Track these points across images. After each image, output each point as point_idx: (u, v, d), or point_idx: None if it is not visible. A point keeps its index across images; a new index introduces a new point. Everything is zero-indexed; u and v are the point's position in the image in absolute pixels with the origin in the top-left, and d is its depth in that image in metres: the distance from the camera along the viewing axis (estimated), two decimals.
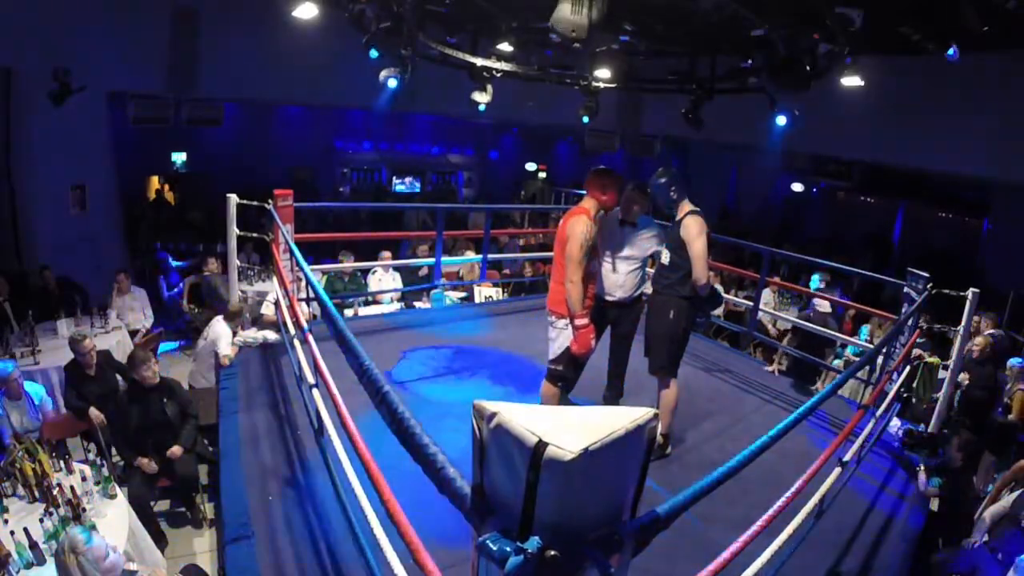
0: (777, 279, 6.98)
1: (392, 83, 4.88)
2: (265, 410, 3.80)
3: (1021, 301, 7.21)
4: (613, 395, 3.81)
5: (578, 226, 3.14)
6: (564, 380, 3.43)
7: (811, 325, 5.32)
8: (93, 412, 4.17)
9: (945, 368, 4.35)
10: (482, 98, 5.30)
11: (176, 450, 3.88)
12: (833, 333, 5.35)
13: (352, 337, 1.81)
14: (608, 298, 3.58)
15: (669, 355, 3.43)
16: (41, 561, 2.73)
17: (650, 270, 3.69)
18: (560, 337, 3.31)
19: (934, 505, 3.52)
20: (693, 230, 3.28)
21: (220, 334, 4.57)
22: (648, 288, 3.69)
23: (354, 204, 13.43)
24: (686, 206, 3.39)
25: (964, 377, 4.60)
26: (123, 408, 3.94)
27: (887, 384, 4.07)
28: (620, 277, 3.54)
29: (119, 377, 4.56)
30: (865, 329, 6.05)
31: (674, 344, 3.43)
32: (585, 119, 5.68)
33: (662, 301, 3.46)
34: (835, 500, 2.93)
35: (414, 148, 14.64)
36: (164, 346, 6.53)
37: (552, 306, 3.35)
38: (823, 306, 5.64)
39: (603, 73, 5.14)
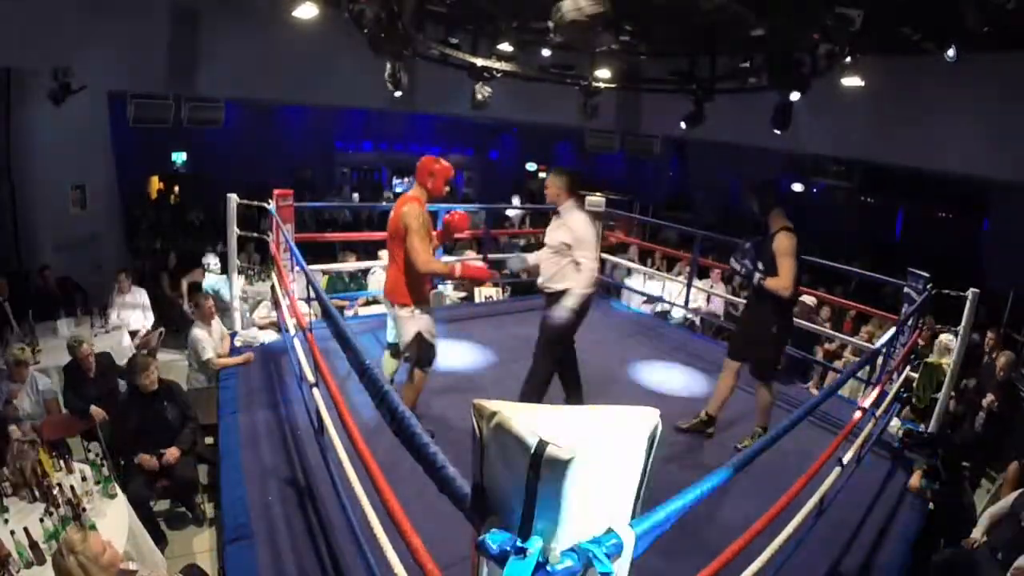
0: None
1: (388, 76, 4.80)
2: (265, 410, 3.80)
3: (1021, 301, 7.20)
4: (574, 402, 3.66)
5: (410, 215, 3.15)
6: (428, 364, 3.38)
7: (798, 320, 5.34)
8: (95, 409, 4.15)
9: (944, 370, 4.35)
10: (484, 92, 5.28)
11: (173, 451, 3.80)
12: (819, 328, 5.37)
13: (352, 337, 1.82)
14: (541, 287, 3.59)
15: (771, 358, 3.61)
16: (41, 561, 2.73)
17: (594, 265, 3.44)
18: (407, 324, 3.27)
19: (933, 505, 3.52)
20: (784, 244, 3.31)
21: (196, 339, 4.50)
22: (572, 285, 3.39)
23: (354, 205, 13.42)
24: (780, 219, 3.39)
25: (991, 400, 4.56)
26: (123, 412, 3.92)
27: (887, 384, 4.07)
28: (542, 264, 3.54)
29: (119, 379, 4.55)
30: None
31: (776, 348, 3.61)
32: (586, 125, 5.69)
33: (761, 311, 3.52)
34: (835, 500, 2.93)
35: (414, 148, 14.63)
36: None
37: (390, 295, 3.31)
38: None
39: (603, 73, 5.14)
